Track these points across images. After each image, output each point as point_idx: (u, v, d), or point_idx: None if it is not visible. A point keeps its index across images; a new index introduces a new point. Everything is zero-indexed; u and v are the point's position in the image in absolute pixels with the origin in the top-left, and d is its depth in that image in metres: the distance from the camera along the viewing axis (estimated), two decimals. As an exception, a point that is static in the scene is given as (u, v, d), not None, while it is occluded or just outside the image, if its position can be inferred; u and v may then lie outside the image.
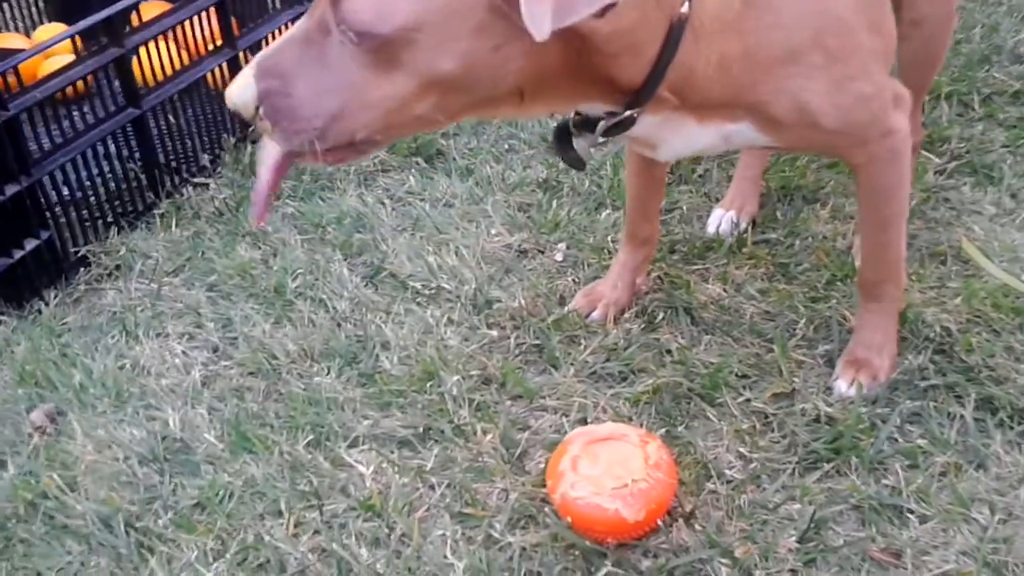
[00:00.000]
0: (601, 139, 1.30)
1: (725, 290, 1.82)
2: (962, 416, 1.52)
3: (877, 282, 1.59)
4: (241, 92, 1.08)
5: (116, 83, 1.96)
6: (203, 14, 2.11)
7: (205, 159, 2.20)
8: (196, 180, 2.18)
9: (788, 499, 1.42)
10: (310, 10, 1.10)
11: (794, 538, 1.35)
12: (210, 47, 2.19)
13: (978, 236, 1.91)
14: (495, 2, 1.04)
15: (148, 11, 2.15)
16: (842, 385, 1.59)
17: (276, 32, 2.34)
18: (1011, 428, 1.51)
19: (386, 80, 1.07)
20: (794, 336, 1.71)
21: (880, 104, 1.36)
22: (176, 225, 2.05)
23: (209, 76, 2.19)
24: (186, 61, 2.13)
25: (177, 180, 2.14)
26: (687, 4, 1.17)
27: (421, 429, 1.56)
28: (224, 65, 2.21)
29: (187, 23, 2.09)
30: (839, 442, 1.49)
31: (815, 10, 1.27)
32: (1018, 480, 1.42)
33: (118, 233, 2.02)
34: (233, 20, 2.20)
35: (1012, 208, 2.02)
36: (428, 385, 1.63)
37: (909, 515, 1.38)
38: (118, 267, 1.96)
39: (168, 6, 2.23)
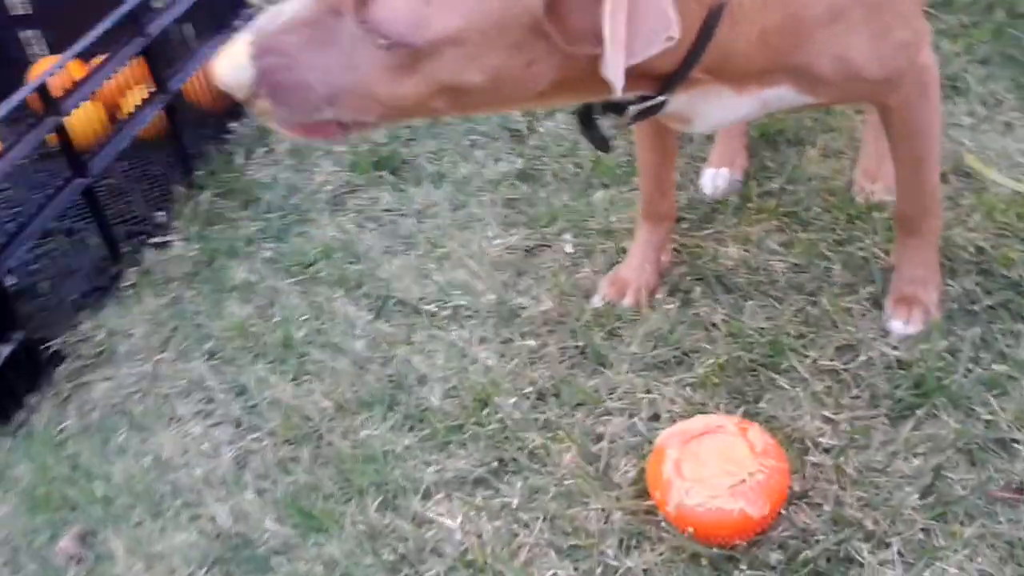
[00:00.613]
0: (630, 123, 1.23)
1: (747, 250, 1.77)
2: (1028, 332, 1.51)
3: (916, 217, 1.57)
4: (235, 71, 1.00)
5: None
6: (131, 65, 1.93)
7: (160, 216, 2.02)
8: (155, 240, 1.99)
9: (893, 456, 1.38)
10: None
11: (916, 496, 1.32)
12: (143, 96, 2.00)
13: (971, 148, 1.90)
14: (539, 24, 0.98)
15: (74, 71, 1.94)
16: (898, 324, 1.56)
17: (200, 68, 2.16)
18: (1077, 335, 1.50)
19: (403, 80, 1.00)
20: (833, 284, 1.67)
21: (916, 46, 1.34)
22: (151, 295, 1.87)
23: (149, 128, 2.00)
24: (122, 115, 1.94)
25: (136, 244, 1.96)
26: None
27: (494, 463, 1.46)
28: (161, 111, 2.02)
29: (115, 77, 1.90)
30: (922, 386, 1.45)
31: None
32: (1104, 387, 1.42)
33: (89, 317, 1.83)
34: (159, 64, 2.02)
35: (986, 115, 2.02)
36: (484, 414, 1.53)
37: (1016, 445, 1.36)
38: (99, 354, 1.77)
39: (83, 64, 2.02)
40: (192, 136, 2.16)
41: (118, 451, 1.57)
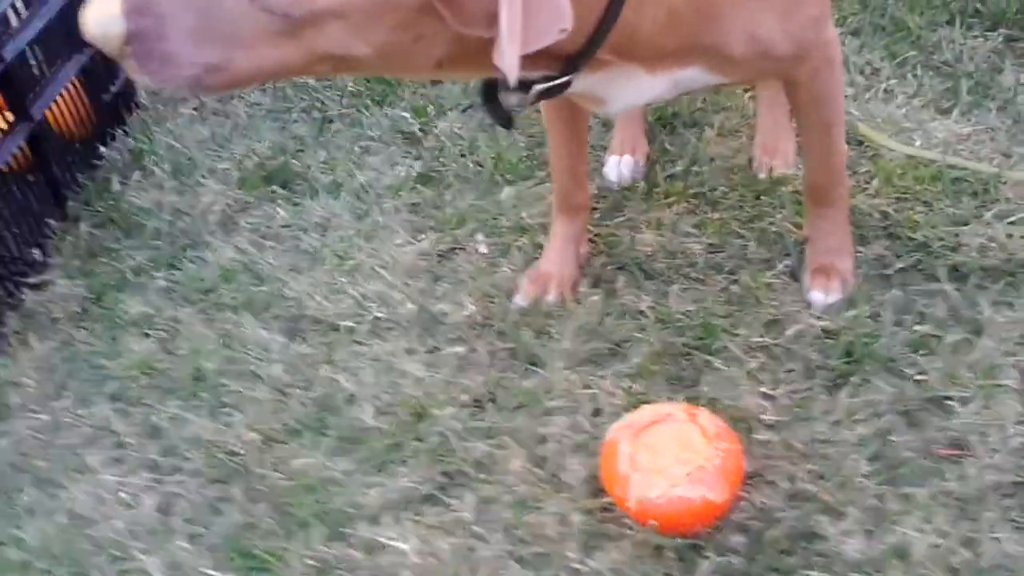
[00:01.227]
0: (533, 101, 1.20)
1: (662, 235, 1.76)
2: (942, 291, 1.55)
3: (826, 186, 1.60)
4: (104, 25, 0.96)
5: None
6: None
7: (35, 253, 1.86)
8: (33, 280, 1.83)
9: (836, 425, 1.39)
10: None
11: (864, 463, 1.33)
12: (3, 126, 1.84)
13: (859, 118, 1.95)
14: (429, 3, 0.95)
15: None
16: (818, 295, 1.59)
17: (65, 92, 2.01)
18: (987, 288, 1.55)
19: (285, 45, 0.97)
20: (750, 261, 1.69)
21: (823, 21, 1.36)
22: (37, 340, 1.72)
23: (12, 160, 1.84)
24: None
25: (12, 287, 1.80)
26: None
27: (440, 478, 1.40)
28: (23, 143, 1.86)
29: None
30: (852, 353, 1.48)
31: None
32: (1021, 336, 1.47)
33: (-29, 371, 1.67)
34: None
35: (867, 84, 2.08)
36: (421, 428, 1.47)
37: (949, 402, 1.40)
38: (-12, 409, 1.62)
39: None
40: (61, 165, 2.00)
41: (26, 512, 1.43)
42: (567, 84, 1.17)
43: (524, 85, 1.16)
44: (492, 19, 0.92)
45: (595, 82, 1.23)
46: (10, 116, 1.87)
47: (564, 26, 0.95)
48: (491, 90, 1.20)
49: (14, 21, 1.91)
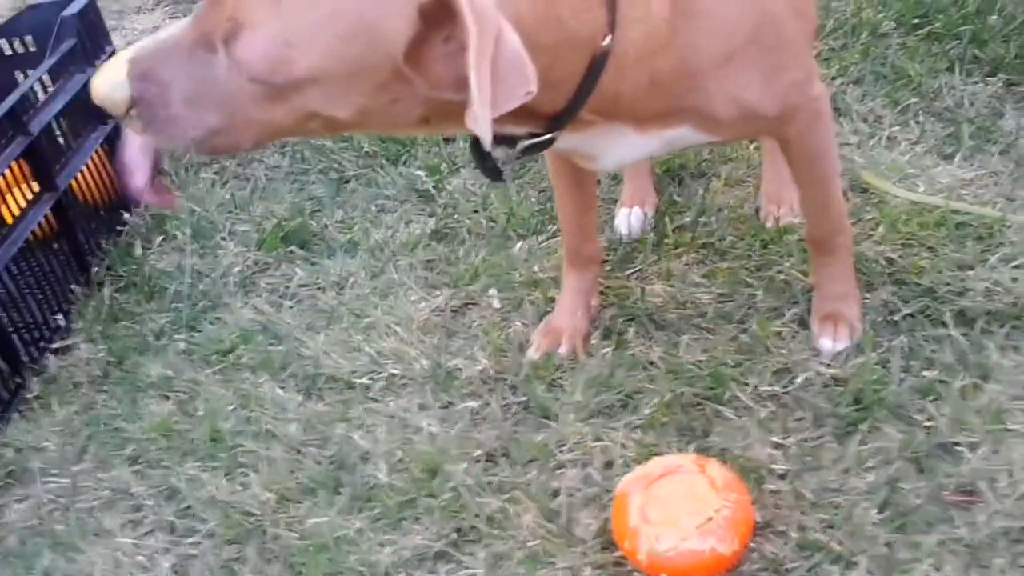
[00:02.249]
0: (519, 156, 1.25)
1: (672, 285, 1.78)
2: (949, 336, 1.56)
3: (827, 236, 1.61)
4: (112, 90, 1.04)
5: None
6: (14, 165, 1.83)
7: (59, 319, 1.91)
8: (56, 345, 1.88)
9: (846, 473, 1.39)
10: (194, 19, 1.03)
11: (874, 511, 1.33)
12: (28, 197, 1.90)
13: (863, 165, 1.97)
14: (401, 69, 1.01)
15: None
16: (826, 343, 1.60)
17: (89, 162, 2.08)
18: (994, 332, 1.56)
19: (275, 108, 1.03)
20: (759, 310, 1.70)
21: (808, 81, 1.38)
22: (58, 403, 1.76)
23: (37, 229, 1.90)
24: (9, 219, 1.83)
25: (36, 352, 1.85)
26: (608, 38, 1.12)
27: (452, 534, 1.41)
28: (48, 213, 1.93)
29: (0, 179, 1.80)
30: (861, 400, 1.48)
31: (746, 8, 1.25)
32: (1030, 380, 1.47)
33: (-6, 435, 1.71)
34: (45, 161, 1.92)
35: (870, 132, 2.11)
36: (435, 484, 1.48)
37: (958, 448, 1.40)
38: (10, 474, 1.65)
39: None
40: (85, 232, 2.06)
41: (45, 576, 1.46)
42: (551, 141, 1.21)
43: (510, 140, 1.20)
44: (460, 84, 0.97)
45: (583, 140, 1.27)
46: (36, 186, 1.93)
47: (530, 89, 0.98)
48: (479, 146, 1.23)
49: (41, 95, 1.99)
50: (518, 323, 1.76)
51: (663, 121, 1.29)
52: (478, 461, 1.51)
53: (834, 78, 2.28)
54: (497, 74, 0.96)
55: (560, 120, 1.18)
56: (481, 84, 0.95)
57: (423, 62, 1.00)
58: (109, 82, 1.04)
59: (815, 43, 2.39)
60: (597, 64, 1.14)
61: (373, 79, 1.02)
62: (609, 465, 1.47)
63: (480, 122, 0.96)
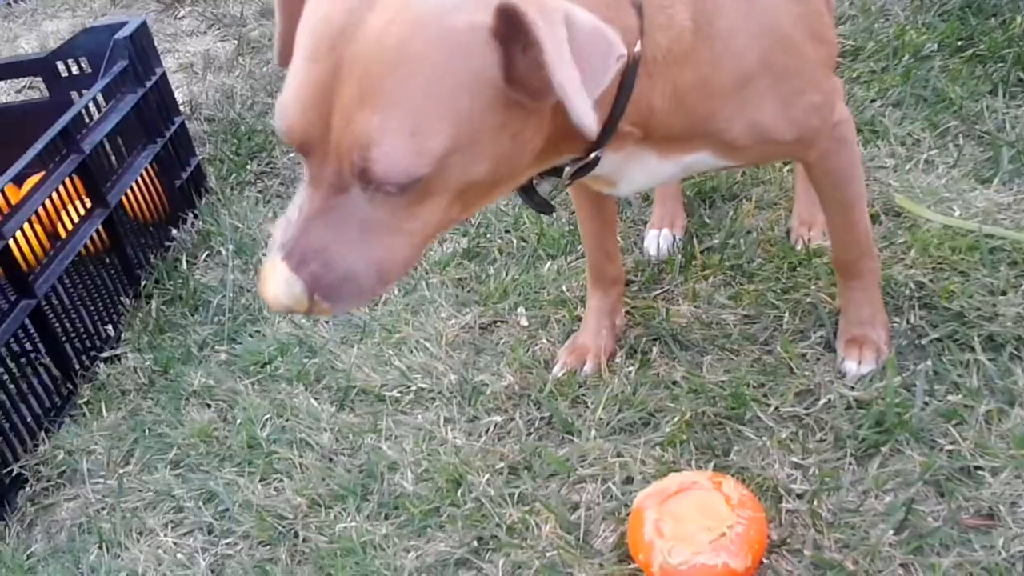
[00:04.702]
0: (568, 183, 1.27)
1: (698, 306, 1.81)
2: (977, 361, 1.56)
3: (853, 260, 1.62)
4: (288, 292, 1.02)
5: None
6: (67, 181, 1.93)
7: (108, 330, 2.00)
8: (106, 355, 1.97)
9: (864, 495, 1.40)
10: (310, 181, 1.02)
11: (891, 532, 1.34)
12: (81, 212, 2.00)
13: (898, 188, 1.98)
14: (510, 96, 1.01)
15: (11, 195, 1.92)
16: (852, 366, 1.60)
17: (139, 179, 2.17)
18: (1022, 358, 1.55)
19: (422, 208, 1.03)
20: (784, 332, 1.71)
21: (829, 106, 1.39)
22: (107, 409, 1.84)
23: (89, 243, 1.99)
24: (63, 234, 1.93)
25: (87, 360, 1.93)
26: (639, 44, 1.15)
27: (473, 542, 1.45)
28: (100, 228, 2.02)
29: (54, 195, 1.89)
30: (883, 423, 1.49)
31: (762, 32, 1.27)
32: (1055, 406, 1.47)
33: (47, 437, 1.79)
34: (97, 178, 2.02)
35: (907, 155, 2.11)
36: (458, 494, 1.52)
37: (980, 472, 1.40)
38: (62, 474, 1.73)
39: (15, 187, 2.01)
40: (134, 246, 2.15)
41: (90, 571, 1.53)
42: (596, 161, 1.23)
43: (556, 170, 1.23)
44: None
45: (612, 164, 1.29)
46: (88, 203, 2.03)
47: (619, 52, 0.97)
48: (526, 184, 1.26)
49: (94, 114, 2.08)
50: (544, 341, 1.80)
51: (683, 145, 1.31)
52: (501, 473, 1.54)
53: (873, 100, 2.29)
54: (580, 54, 0.93)
55: (604, 135, 1.19)
56: (565, 71, 0.93)
57: (521, 80, 1.00)
58: (282, 287, 1.02)
59: (855, 66, 2.44)
60: (630, 71, 1.15)
61: (493, 118, 1.01)
62: (629, 480, 1.50)
63: (579, 110, 0.93)
